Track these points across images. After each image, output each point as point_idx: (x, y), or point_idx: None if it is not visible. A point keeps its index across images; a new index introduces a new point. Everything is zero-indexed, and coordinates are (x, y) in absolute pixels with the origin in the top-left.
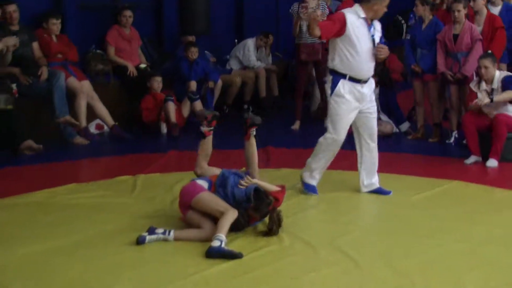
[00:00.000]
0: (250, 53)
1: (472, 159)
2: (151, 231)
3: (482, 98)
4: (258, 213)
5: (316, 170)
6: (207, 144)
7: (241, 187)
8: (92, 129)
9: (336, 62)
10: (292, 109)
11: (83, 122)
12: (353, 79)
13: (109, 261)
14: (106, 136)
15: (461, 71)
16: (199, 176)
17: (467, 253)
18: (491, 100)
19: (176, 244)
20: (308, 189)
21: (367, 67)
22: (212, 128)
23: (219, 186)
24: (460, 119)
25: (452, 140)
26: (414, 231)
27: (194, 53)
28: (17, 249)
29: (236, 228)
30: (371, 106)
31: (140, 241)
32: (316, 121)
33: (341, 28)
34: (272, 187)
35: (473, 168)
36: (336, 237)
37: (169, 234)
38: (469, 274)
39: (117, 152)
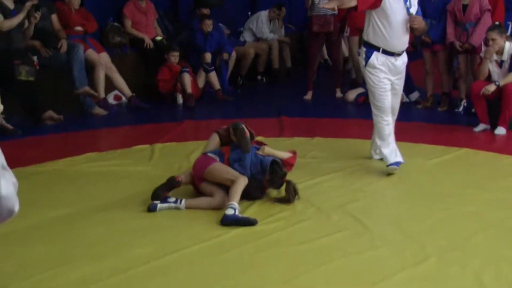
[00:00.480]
0: (263, 25)
1: (480, 127)
2: (163, 199)
3: (489, 87)
4: (273, 185)
5: (385, 143)
6: (187, 181)
7: (260, 153)
8: (110, 99)
9: (370, 34)
10: (305, 79)
11: (102, 93)
12: (386, 52)
13: (127, 226)
14: (124, 106)
15: (469, 41)
16: None
17: (475, 216)
18: (498, 86)
19: (190, 212)
20: (395, 165)
21: (401, 40)
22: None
23: (234, 161)
24: (468, 88)
25: (461, 108)
26: (423, 197)
27: (208, 25)
28: (44, 213)
29: (250, 198)
30: (399, 82)
31: (151, 209)
32: (328, 91)
33: (376, 0)
34: (284, 154)
35: (482, 136)
36: (347, 202)
37: (180, 202)
38: (476, 236)
39: (134, 122)
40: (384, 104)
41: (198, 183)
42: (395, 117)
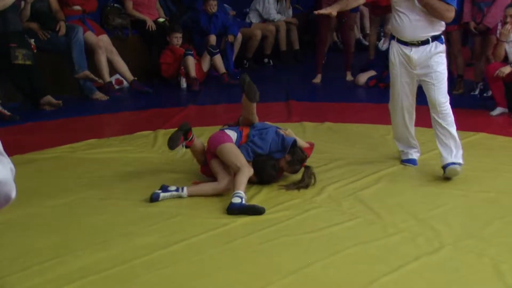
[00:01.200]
0: (270, 6)
1: (498, 110)
2: (164, 188)
3: (504, 69)
4: (291, 166)
5: (397, 141)
6: (195, 147)
7: (281, 131)
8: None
9: (390, 24)
10: (314, 62)
11: (106, 77)
12: (400, 41)
13: (130, 214)
14: (125, 91)
15: (483, 22)
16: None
17: (492, 203)
18: None
19: (194, 200)
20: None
21: (413, 28)
22: (190, 137)
23: (254, 136)
24: (484, 70)
25: (477, 92)
26: (437, 183)
27: (213, 6)
28: (44, 201)
29: (263, 179)
30: (428, 73)
31: (154, 199)
32: (338, 74)
33: None
34: (303, 143)
35: (499, 120)
36: (358, 189)
37: (182, 190)
38: (494, 223)
39: (136, 107)
40: (395, 102)
41: (210, 157)
42: (437, 113)
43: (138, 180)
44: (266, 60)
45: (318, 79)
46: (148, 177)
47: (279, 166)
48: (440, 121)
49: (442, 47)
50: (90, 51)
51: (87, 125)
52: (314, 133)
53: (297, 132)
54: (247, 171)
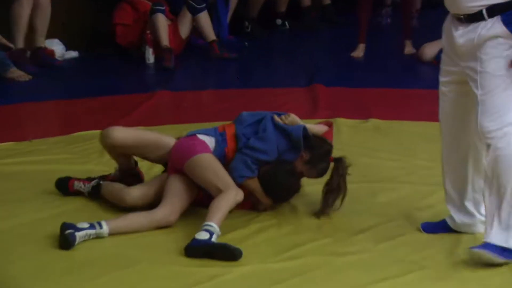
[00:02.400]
0: None
1: None
2: (71, 226)
3: None
4: (314, 167)
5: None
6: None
7: (280, 121)
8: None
9: None
10: (353, 27)
11: (20, 41)
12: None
13: (62, 262)
14: (62, 68)
15: None
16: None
17: None
18: None
19: (157, 233)
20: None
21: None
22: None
23: (247, 137)
24: None
25: None
26: None
27: None
28: None
29: (281, 197)
30: (472, 72)
31: (70, 241)
32: (392, 44)
33: None
34: (317, 127)
35: None
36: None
37: (100, 227)
38: None
39: (77, 92)
40: (440, 114)
41: (171, 172)
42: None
43: (74, 209)
44: (279, 21)
45: (360, 52)
46: (89, 203)
47: (297, 171)
48: (486, 164)
49: (504, 30)
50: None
51: (2, 121)
52: (352, 135)
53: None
54: (232, 195)
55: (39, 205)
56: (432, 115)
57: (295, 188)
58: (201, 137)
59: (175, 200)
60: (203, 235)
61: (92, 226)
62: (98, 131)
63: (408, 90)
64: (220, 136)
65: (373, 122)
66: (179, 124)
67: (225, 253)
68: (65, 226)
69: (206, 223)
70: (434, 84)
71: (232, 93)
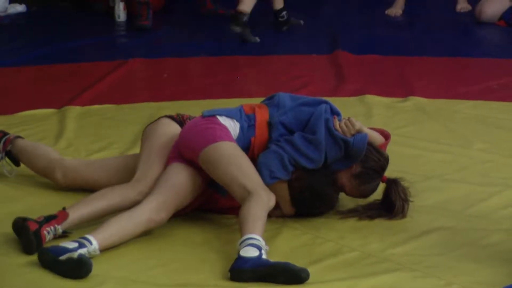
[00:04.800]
0: None
1: None
2: (55, 249)
3: None
4: (362, 184)
5: None
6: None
7: (339, 130)
8: None
9: None
10: None
11: None
12: None
13: None
14: (0, 24)
15: None
16: None
17: None
18: None
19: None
20: None
21: None
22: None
23: (287, 125)
24: None
25: None
26: None
27: None
28: None
29: (313, 210)
30: None
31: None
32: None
33: None
34: (375, 136)
35: None
36: (478, 238)
37: (90, 243)
38: None
39: (23, 58)
40: None
41: (173, 159)
42: None
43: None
44: None
45: (398, 9)
46: (44, 201)
47: (339, 184)
48: None
49: None
50: None
51: None
52: (387, 118)
53: (355, 114)
54: (265, 199)
55: None
56: (494, 92)
57: (333, 204)
58: (222, 120)
59: (170, 194)
60: (251, 252)
61: (80, 245)
62: (51, 110)
63: (462, 59)
64: (246, 121)
65: (415, 101)
66: (156, 102)
67: (288, 276)
68: (48, 251)
69: (248, 236)
70: (496, 52)
71: (230, 61)
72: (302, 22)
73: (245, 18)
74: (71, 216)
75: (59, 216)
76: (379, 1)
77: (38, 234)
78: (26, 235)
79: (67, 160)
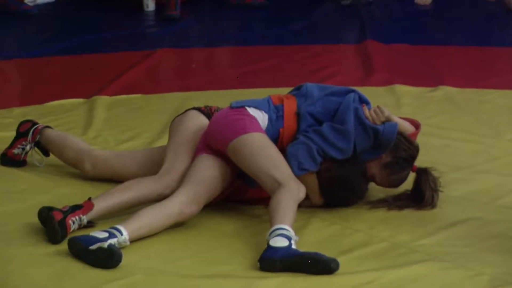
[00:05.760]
0: None
1: None
2: (85, 238)
3: None
4: (392, 173)
5: None
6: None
7: (369, 119)
8: None
9: None
10: None
11: None
12: None
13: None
14: (29, 14)
15: None
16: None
17: None
18: None
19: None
20: None
21: None
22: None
23: (316, 115)
24: None
25: None
26: None
27: None
28: None
29: (343, 201)
30: None
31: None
32: None
33: None
34: (406, 125)
35: None
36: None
37: (121, 234)
38: None
39: (52, 48)
40: None
41: (202, 150)
42: None
43: (53, 198)
44: None
45: None
46: (73, 190)
47: (369, 174)
48: None
49: None
50: None
51: None
52: (416, 108)
53: (384, 104)
54: (296, 190)
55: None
56: None
57: (362, 194)
58: (251, 111)
59: (200, 187)
60: (280, 242)
61: (110, 236)
62: (80, 100)
63: (492, 48)
64: (274, 112)
65: (445, 90)
66: (184, 92)
67: (318, 266)
68: (79, 241)
69: (278, 226)
70: None
71: (257, 51)
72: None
73: None
74: (97, 207)
75: (85, 207)
76: None
77: (63, 224)
78: (51, 225)
79: (96, 151)
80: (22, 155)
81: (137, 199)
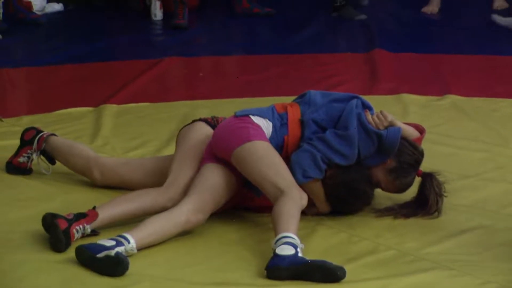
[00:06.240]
0: None
1: None
2: (93, 246)
3: None
4: (397, 178)
5: None
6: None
7: (372, 124)
8: None
9: None
10: None
11: None
12: None
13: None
14: (38, 23)
15: None
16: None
17: None
18: None
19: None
20: None
21: None
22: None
23: (319, 122)
24: None
25: None
26: None
27: None
28: None
29: (348, 207)
30: None
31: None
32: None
33: None
34: (410, 130)
35: None
36: None
37: (128, 242)
38: None
39: (61, 56)
40: None
41: (208, 159)
42: None
43: (60, 206)
44: None
45: (434, 7)
46: (81, 197)
47: (374, 180)
48: None
49: None
50: None
51: None
52: (423, 116)
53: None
54: (297, 197)
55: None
56: None
57: (368, 200)
58: (256, 119)
59: (206, 196)
60: (287, 250)
61: (117, 244)
62: (87, 108)
63: (499, 57)
64: (278, 120)
65: (452, 99)
66: (192, 101)
67: (325, 274)
68: (86, 249)
69: (284, 234)
70: None
71: (264, 60)
72: (363, 16)
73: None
74: (101, 216)
75: (89, 215)
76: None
77: (68, 233)
78: (55, 233)
79: (104, 159)
80: (28, 164)
81: (141, 210)
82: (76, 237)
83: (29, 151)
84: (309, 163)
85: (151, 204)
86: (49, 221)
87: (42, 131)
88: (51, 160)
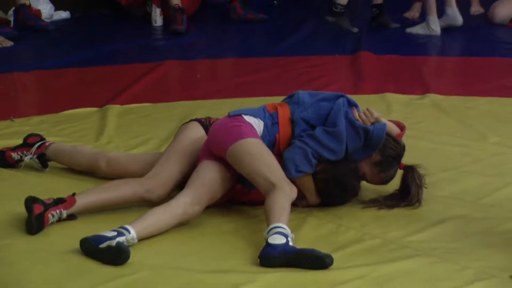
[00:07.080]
0: None
1: None
2: (96, 237)
3: None
4: (382, 171)
5: None
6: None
7: (359, 120)
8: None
9: None
10: None
11: None
12: None
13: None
14: (46, 30)
15: None
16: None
17: None
18: None
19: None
20: None
21: None
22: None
23: (308, 120)
24: None
25: None
26: None
27: None
28: None
29: (337, 199)
30: None
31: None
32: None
33: None
34: (392, 126)
35: None
36: (495, 224)
37: (129, 232)
38: None
39: (67, 60)
40: None
41: (204, 157)
42: None
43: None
44: None
45: (415, 12)
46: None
47: (361, 173)
48: None
49: None
50: None
51: None
52: (406, 114)
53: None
54: (288, 190)
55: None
56: (506, 90)
57: (355, 192)
58: (248, 118)
59: (203, 189)
60: (278, 239)
61: (118, 234)
62: (92, 109)
63: (476, 58)
64: (270, 119)
65: (432, 98)
66: (190, 101)
67: (314, 261)
68: (90, 240)
69: (276, 224)
70: (508, 52)
71: (257, 62)
72: (356, 30)
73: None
74: (79, 202)
75: (68, 201)
76: (399, 5)
77: (40, 218)
78: (29, 217)
79: (110, 152)
80: (17, 163)
81: (121, 199)
82: (51, 221)
83: (25, 152)
84: (301, 158)
85: (130, 193)
86: (27, 205)
87: (45, 140)
88: (45, 165)
